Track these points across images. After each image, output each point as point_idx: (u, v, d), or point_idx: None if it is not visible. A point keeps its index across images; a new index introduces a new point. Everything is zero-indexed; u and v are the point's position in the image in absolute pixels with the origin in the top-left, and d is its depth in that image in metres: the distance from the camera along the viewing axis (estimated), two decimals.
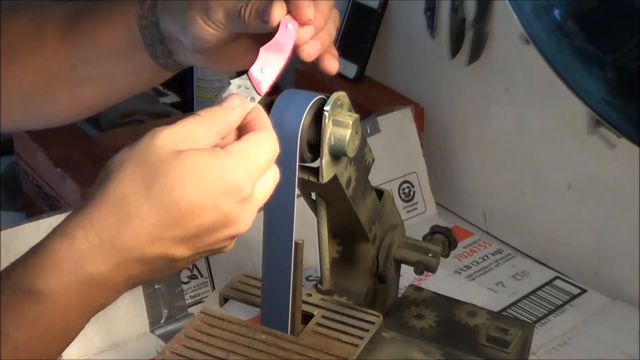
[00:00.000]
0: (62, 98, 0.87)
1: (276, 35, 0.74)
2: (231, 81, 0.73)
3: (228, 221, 0.66)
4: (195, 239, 0.66)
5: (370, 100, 1.42)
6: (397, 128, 1.37)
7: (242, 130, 0.70)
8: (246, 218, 0.67)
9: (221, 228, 0.66)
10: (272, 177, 0.69)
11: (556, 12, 0.89)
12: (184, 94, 1.63)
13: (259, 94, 0.72)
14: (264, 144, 0.68)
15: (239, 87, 0.72)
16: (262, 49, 0.74)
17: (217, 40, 0.80)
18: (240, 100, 0.70)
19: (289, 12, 0.75)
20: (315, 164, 0.81)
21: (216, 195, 0.65)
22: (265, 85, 0.72)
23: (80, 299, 0.64)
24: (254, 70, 0.73)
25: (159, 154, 0.65)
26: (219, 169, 0.65)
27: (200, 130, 0.67)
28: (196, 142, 0.66)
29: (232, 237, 0.68)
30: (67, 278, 0.63)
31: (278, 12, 0.74)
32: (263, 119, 0.71)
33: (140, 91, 0.92)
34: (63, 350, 0.66)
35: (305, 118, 0.78)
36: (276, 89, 0.76)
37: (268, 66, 0.73)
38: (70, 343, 0.66)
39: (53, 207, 1.22)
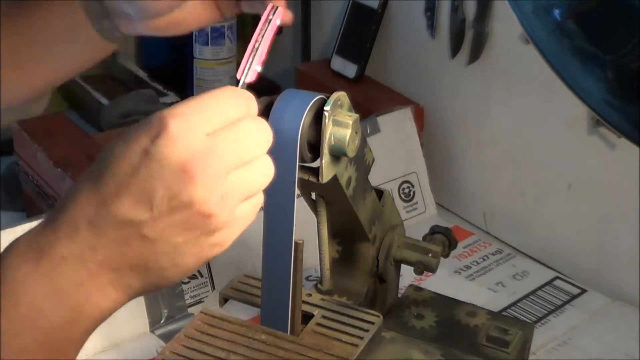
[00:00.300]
0: (10, 80, 0.86)
1: (263, 32, 0.76)
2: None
3: (156, 162, 0.61)
4: (143, 192, 0.61)
5: (370, 100, 1.42)
6: (397, 128, 1.37)
7: None
8: (170, 158, 0.61)
9: (152, 175, 0.61)
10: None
11: (556, 12, 0.89)
12: (184, 94, 1.63)
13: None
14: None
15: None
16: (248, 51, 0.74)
17: (165, 7, 0.79)
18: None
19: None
20: (315, 164, 0.81)
21: (136, 133, 0.62)
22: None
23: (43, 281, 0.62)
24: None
25: None
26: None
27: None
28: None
29: (195, 204, 0.62)
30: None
31: None
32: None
33: (89, 66, 0.91)
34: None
35: (305, 118, 0.78)
36: (276, 88, 0.77)
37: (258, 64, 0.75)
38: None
39: (53, 207, 1.22)
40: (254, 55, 0.74)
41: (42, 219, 0.65)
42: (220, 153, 0.63)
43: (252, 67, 0.73)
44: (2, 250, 0.72)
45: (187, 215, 0.62)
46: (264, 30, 0.75)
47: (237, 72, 0.74)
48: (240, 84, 0.72)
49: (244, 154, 0.64)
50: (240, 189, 0.64)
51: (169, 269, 0.64)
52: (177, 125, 0.61)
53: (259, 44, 0.74)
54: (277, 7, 0.77)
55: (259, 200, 0.67)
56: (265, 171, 0.66)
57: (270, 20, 0.76)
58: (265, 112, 0.80)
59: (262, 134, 0.66)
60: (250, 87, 0.69)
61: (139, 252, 0.63)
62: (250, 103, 0.67)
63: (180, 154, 0.61)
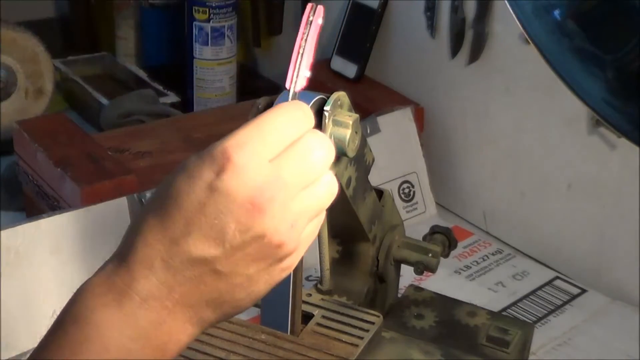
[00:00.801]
0: None
1: (307, 35, 0.71)
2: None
3: (221, 198, 0.60)
4: (213, 228, 0.60)
5: (370, 100, 1.42)
6: (397, 128, 1.37)
7: None
8: (239, 189, 0.60)
9: (218, 209, 0.60)
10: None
11: (556, 12, 0.89)
12: (184, 94, 1.63)
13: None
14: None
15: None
16: (294, 58, 0.70)
17: None
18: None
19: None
20: None
21: (198, 165, 0.61)
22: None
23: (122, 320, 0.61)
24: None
25: None
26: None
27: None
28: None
29: (269, 238, 0.61)
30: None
31: None
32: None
33: None
34: None
35: None
36: (276, 89, 0.76)
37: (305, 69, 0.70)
38: None
39: (53, 207, 1.22)
40: (300, 60, 0.70)
41: (112, 259, 0.64)
42: (286, 180, 0.62)
43: (300, 74, 0.69)
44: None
45: (259, 247, 0.62)
46: (306, 34, 0.71)
47: (285, 80, 0.69)
48: (291, 94, 0.68)
49: (308, 175, 0.63)
50: (308, 212, 0.64)
51: (243, 299, 0.64)
52: (240, 157, 0.60)
53: (304, 48, 0.70)
54: (316, 6, 0.73)
55: (323, 215, 0.66)
56: (330, 188, 0.65)
57: (312, 22, 0.71)
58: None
59: (323, 149, 0.65)
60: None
61: (214, 288, 0.63)
62: (307, 116, 0.65)
63: (247, 188, 0.60)
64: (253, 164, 0.60)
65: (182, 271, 0.61)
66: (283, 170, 0.62)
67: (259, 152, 0.61)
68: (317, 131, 0.66)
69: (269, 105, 0.79)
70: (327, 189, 0.65)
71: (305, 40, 0.71)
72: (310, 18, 0.72)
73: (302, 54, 0.70)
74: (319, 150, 0.64)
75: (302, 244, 0.65)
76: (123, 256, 0.63)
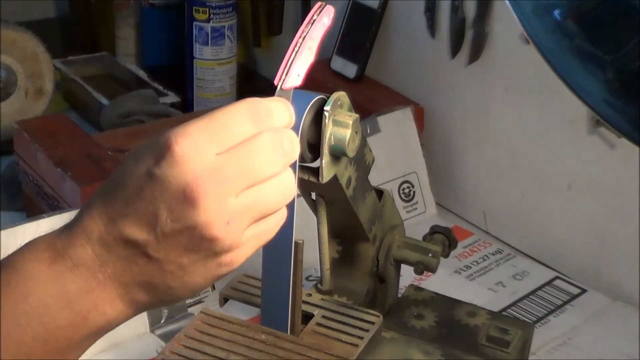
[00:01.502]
0: None
1: (311, 32, 0.68)
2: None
3: (160, 184, 0.60)
4: (147, 213, 0.61)
5: (370, 100, 1.42)
6: (397, 128, 1.37)
7: None
8: (175, 181, 0.60)
9: (153, 194, 0.61)
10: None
11: (556, 12, 0.89)
12: (184, 94, 1.63)
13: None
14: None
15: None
16: (292, 53, 0.67)
17: None
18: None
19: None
20: (315, 164, 0.81)
21: (142, 155, 0.62)
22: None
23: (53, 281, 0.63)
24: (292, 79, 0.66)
25: None
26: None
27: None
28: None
29: (200, 229, 0.61)
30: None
31: None
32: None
33: None
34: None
35: (305, 118, 0.78)
36: (276, 89, 0.75)
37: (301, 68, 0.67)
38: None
39: (53, 207, 1.22)
40: (294, 57, 0.66)
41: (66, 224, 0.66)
42: (226, 175, 0.61)
43: (292, 72, 0.66)
44: (1, 249, 0.72)
45: (191, 238, 0.62)
46: (306, 31, 0.67)
47: (278, 77, 0.67)
48: (277, 91, 0.66)
49: (254, 174, 0.62)
50: (250, 211, 0.63)
51: (176, 288, 0.65)
52: (182, 146, 0.60)
53: (300, 45, 0.66)
54: (324, 5, 0.69)
55: (278, 218, 0.65)
56: (282, 189, 0.64)
57: (315, 20, 0.67)
58: None
59: (277, 149, 0.63)
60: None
61: (145, 271, 0.63)
62: (270, 114, 0.63)
63: (182, 177, 0.60)
64: (193, 154, 0.60)
65: (116, 249, 0.63)
66: (226, 165, 0.61)
67: (202, 144, 0.60)
68: (282, 130, 0.64)
69: None
70: (277, 191, 0.63)
71: (304, 37, 0.67)
72: (315, 17, 0.68)
73: (297, 51, 0.67)
74: (271, 150, 0.62)
75: (247, 244, 0.64)
76: (70, 223, 0.65)
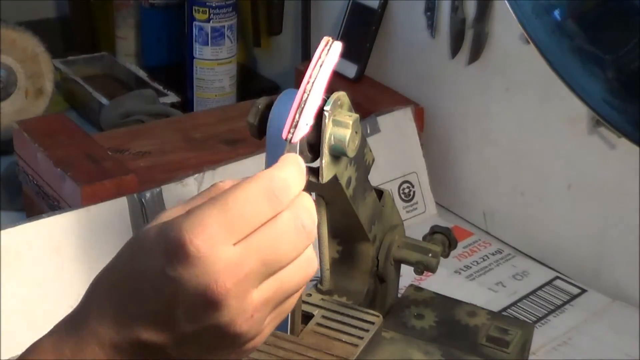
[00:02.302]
0: None
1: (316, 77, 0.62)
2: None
3: (183, 289, 0.55)
4: (165, 316, 0.56)
5: (370, 100, 1.42)
6: (397, 128, 1.37)
7: None
8: (198, 283, 0.54)
9: (179, 298, 0.55)
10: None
11: (556, 12, 0.89)
12: (184, 94, 1.63)
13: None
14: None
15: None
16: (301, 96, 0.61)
17: None
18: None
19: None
20: (315, 164, 0.81)
21: (155, 253, 0.56)
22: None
23: None
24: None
25: None
26: (166, 222, 0.56)
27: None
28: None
29: (225, 330, 0.56)
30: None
31: None
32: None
33: None
34: None
35: None
36: (276, 88, 0.75)
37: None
38: None
39: (53, 207, 1.22)
40: (302, 107, 0.60)
41: (68, 318, 0.61)
42: (247, 269, 0.55)
43: (300, 123, 0.60)
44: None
45: (213, 337, 0.57)
46: (314, 76, 0.61)
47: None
48: (287, 146, 0.60)
49: (277, 261, 0.57)
50: (274, 299, 0.58)
51: None
52: (197, 245, 0.54)
53: (309, 93, 0.60)
54: (332, 42, 0.62)
55: (295, 299, 0.61)
56: (304, 271, 0.59)
57: (324, 61, 0.61)
58: (265, 112, 0.80)
59: (299, 231, 0.57)
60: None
61: None
62: (287, 189, 0.57)
63: (201, 279, 0.55)
64: (210, 253, 0.55)
65: (131, 354, 0.58)
66: (246, 258, 0.55)
67: (219, 239, 0.55)
68: (300, 205, 0.58)
69: (269, 105, 0.79)
70: (300, 272, 0.58)
71: (312, 83, 0.60)
72: (323, 57, 0.61)
73: (306, 100, 0.60)
74: (294, 233, 0.57)
75: (268, 326, 0.60)
76: (76, 323, 0.60)
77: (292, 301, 0.60)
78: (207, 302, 0.55)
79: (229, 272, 0.55)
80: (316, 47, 0.61)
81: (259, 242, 0.56)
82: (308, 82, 0.61)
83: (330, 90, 0.80)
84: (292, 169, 0.58)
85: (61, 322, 0.61)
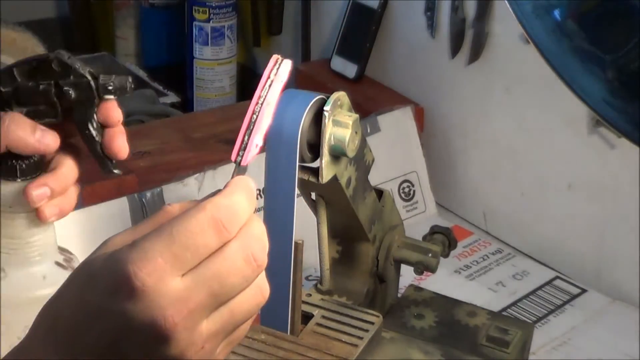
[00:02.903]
0: None
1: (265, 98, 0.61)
2: None
3: (127, 322, 0.53)
4: (107, 349, 0.54)
5: (370, 100, 1.42)
6: (397, 127, 1.37)
7: None
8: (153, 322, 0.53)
9: (126, 332, 0.54)
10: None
11: (556, 12, 0.89)
12: (184, 94, 1.63)
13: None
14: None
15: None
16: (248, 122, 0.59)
17: None
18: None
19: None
20: (315, 164, 0.81)
21: (102, 288, 0.54)
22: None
23: None
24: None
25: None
26: (110, 252, 0.54)
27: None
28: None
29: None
30: None
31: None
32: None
33: None
34: None
35: (305, 118, 0.78)
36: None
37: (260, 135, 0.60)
38: None
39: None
40: (252, 129, 0.59)
41: (11, 351, 0.59)
42: (196, 301, 0.54)
43: (250, 145, 0.59)
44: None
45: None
46: (262, 96, 0.60)
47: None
48: (235, 168, 0.58)
49: (225, 293, 0.55)
50: (224, 329, 0.56)
51: None
52: (143, 279, 0.53)
53: (258, 114, 0.59)
54: (281, 60, 0.61)
55: (247, 326, 0.59)
56: (255, 300, 0.57)
57: (273, 81, 0.60)
58: None
59: (248, 261, 0.56)
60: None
61: None
62: (235, 218, 0.55)
63: (148, 312, 0.53)
64: (156, 286, 0.53)
65: None
66: (194, 291, 0.54)
67: (165, 272, 0.53)
68: (249, 233, 0.56)
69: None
70: (250, 301, 0.57)
71: (261, 104, 0.60)
72: (272, 76, 0.61)
73: (255, 122, 0.59)
74: (244, 264, 0.56)
75: (220, 356, 0.58)
76: (22, 353, 0.58)
77: (245, 328, 0.59)
78: (156, 337, 0.54)
79: (177, 306, 0.54)
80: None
81: (206, 274, 0.54)
82: (257, 103, 0.60)
83: (330, 90, 0.80)
84: (239, 195, 0.56)
85: (8, 354, 0.59)
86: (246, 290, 0.57)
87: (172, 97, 1.60)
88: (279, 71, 0.61)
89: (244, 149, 0.59)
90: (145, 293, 0.53)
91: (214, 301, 0.55)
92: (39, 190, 0.69)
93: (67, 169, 0.72)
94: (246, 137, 0.59)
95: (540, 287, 1.25)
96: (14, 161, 0.70)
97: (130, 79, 0.69)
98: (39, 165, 0.72)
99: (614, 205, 1.22)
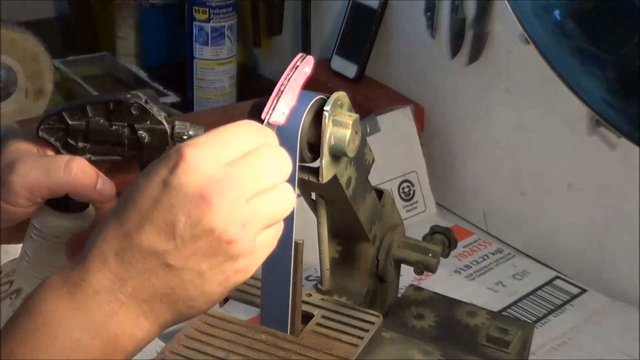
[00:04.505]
0: None
1: (293, 78, 0.73)
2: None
3: (172, 190, 0.63)
4: (165, 222, 0.63)
5: (370, 100, 1.42)
6: (397, 127, 1.37)
7: None
8: (189, 186, 0.63)
9: (178, 202, 0.63)
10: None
11: (556, 12, 0.89)
12: (184, 94, 1.63)
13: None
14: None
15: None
16: (278, 91, 0.72)
17: (22, 216, 0.74)
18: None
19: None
20: (315, 164, 0.81)
21: (156, 165, 0.64)
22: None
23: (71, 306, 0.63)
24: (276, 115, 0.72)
25: None
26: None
27: None
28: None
29: (224, 242, 0.64)
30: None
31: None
32: None
33: None
34: None
35: (305, 118, 0.78)
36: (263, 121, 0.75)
37: (286, 107, 0.72)
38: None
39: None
40: (280, 95, 0.71)
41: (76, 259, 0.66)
42: (238, 180, 0.63)
43: (277, 108, 0.71)
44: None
45: (209, 242, 0.63)
46: (290, 75, 0.72)
47: (266, 111, 0.72)
48: (265, 123, 0.70)
49: (261, 180, 0.65)
50: (261, 216, 0.65)
51: (196, 298, 0.65)
52: (194, 154, 0.63)
53: (285, 86, 0.71)
54: (306, 55, 0.74)
55: (280, 228, 0.67)
56: (285, 198, 0.67)
57: (298, 67, 0.73)
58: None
59: (279, 160, 0.67)
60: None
61: (165, 282, 0.64)
62: (268, 134, 0.68)
63: (197, 182, 0.62)
64: (206, 162, 0.63)
65: (135, 264, 0.63)
66: (236, 172, 0.64)
67: (213, 153, 0.64)
68: (277, 145, 0.68)
69: None
70: (282, 198, 0.66)
71: (289, 79, 0.72)
72: (298, 64, 0.73)
73: (283, 90, 0.71)
74: (275, 159, 0.66)
75: (259, 250, 0.66)
76: (83, 254, 0.65)
77: (276, 232, 0.67)
78: (203, 202, 0.62)
79: (222, 180, 0.63)
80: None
81: (246, 162, 0.64)
82: (286, 77, 0.72)
83: (330, 90, 0.80)
84: (267, 130, 0.69)
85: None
86: (277, 188, 0.66)
87: (172, 97, 1.60)
88: (303, 62, 0.73)
89: (273, 109, 0.70)
90: (196, 164, 0.62)
91: (252, 184, 0.64)
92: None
93: None
94: (275, 101, 0.71)
95: (540, 287, 1.25)
96: (67, 195, 0.73)
97: (203, 130, 0.72)
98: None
99: (614, 205, 1.22)
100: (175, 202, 0.62)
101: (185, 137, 0.72)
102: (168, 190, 0.63)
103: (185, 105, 1.62)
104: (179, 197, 0.62)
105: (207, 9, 1.57)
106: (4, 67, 1.49)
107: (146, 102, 0.72)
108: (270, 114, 0.71)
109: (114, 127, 0.72)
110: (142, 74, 1.68)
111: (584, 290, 1.24)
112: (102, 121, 0.72)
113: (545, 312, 1.20)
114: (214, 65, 1.60)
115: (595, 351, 1.12)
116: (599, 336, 1.15)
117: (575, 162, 1.25)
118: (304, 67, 0.73)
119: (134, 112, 0.72)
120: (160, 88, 1.62)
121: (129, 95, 0.72)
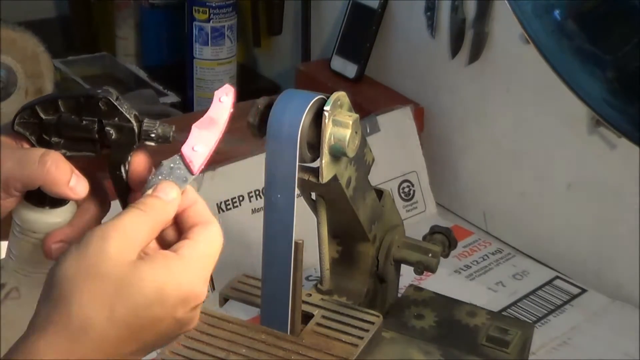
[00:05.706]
0: None
1: (209, 110, 0.70)
2: (163, 162, 0.68)
3: (182, 325, 0.65)
4: (150, 346, 0.65)
5: (370, 100, 1.42)
6: (397, 127, 1.37)
7: (179, 219, 0.67)
8: (197, 318, 0.66)
9: (175, 332, 0.65)
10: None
11: (556, 12, 0.89)
12: (184, 94, 1.63)
13: (192, 174, 0.68)
14: (215, 242, 0.66)
15: (171, 167, 0.67)
16: (193, 126, 0.69)
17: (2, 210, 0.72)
18: (177, 192, 0.67)
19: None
20: (315, 164, 0.81)
21: (175, 306, 0.64)
22: (197, 165, 0.68)
23: None
24: (186, 149, 0.68)
25: (114, 268, 0.62)
26: (177, 279, 0.63)
27: (143, 227, 0.64)
28: (140, 241, 0.64)
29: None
30: None
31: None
32: (202, 207, 0.68)
33: None
34: None
35: (305, 118, 0.78)
36: (276, 88, 0.75)
37: (200, 143, 0.69)
38: None
39: None
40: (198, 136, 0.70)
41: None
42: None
43: (196, 149, 0.69)
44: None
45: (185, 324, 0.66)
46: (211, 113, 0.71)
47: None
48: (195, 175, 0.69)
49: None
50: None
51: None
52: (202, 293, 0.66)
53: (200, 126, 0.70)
54: (230, 90, 0.73)
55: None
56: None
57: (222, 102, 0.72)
58: (265, 112, 0.80)
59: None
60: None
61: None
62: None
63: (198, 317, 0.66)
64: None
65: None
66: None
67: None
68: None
69: (269, 105, 0.80)
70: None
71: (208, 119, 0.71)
72: (226, 103, 0.72)
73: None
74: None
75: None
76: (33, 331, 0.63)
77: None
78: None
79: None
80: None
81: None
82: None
83: (330, 90, 0.80)
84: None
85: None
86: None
87: (172, 97, 1.60)
88: (228, 97, 0.72)
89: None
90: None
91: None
92: (57, 245, 0.70)
93: (90, 219, 0.73)
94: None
95: (540, 287, 1.25)
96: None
97: (173, 129, 0.70)
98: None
99: (614, 205, 1.22)
100: (181, 327, 0.65)
101: (152, 135, 0.70)
102: (176, 322, 0.65)
103: (185, 105, 1.62)
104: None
105: (207, 9, 1.57)
106: (4, 67, 1.48)
107: (117, 98, 0.70)
108: (198, 167, 0.68)
109: (84, 122, 0.70)
110: (142, 74, 1.68)
111: (584, 290, 1.24)
112: (72, 116, 0.70)
113: (545, 312, 1.20)
114: (214, 65, 1.60)
115: (595, 351, 1.12)
116: (599, 336, 1.15)
117: (575, 162, 1.25)
118: (220, 97, 0.72)
119: (102, 108, 0.70)
120: (160, 88, 1.62)
121: (99, 91, 0.70)
